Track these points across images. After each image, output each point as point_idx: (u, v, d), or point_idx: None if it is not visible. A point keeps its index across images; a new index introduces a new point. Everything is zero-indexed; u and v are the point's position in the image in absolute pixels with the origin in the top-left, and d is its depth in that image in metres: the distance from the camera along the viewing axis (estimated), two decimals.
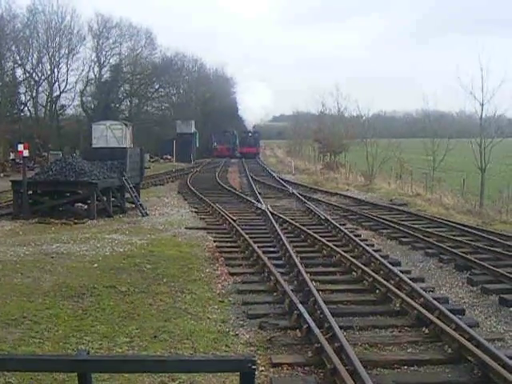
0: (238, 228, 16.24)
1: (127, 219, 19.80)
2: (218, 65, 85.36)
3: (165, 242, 15.32)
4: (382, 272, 11.46)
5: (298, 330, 8.39)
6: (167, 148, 59.14)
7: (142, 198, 22.90)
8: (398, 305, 9.50)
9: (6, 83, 51.77)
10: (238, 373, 3.78)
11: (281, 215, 19.17)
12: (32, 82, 56.12)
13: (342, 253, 12.95)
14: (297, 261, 11.98)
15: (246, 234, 15.29)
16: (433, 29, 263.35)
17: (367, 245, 14.41)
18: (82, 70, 60.50)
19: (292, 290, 9.90)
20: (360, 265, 11.77)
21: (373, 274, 11.04)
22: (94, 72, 62.28)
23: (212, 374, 6.61)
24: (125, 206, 21.79)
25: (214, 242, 15.44)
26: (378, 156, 40.17)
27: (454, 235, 16.05)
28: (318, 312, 8.77)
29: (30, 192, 20.12)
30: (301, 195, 26.15)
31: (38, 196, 20.65)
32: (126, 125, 46.60)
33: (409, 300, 9.35)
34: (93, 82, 62.66)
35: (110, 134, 43.87)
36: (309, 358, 7.47)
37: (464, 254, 13.21)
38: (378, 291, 10.41)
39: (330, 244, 13.94)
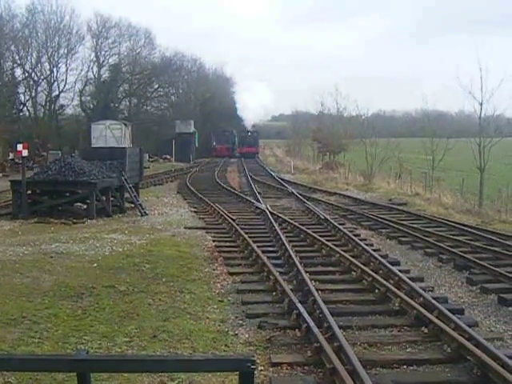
0: (238, 228, 16.24)
1: (126, 219, 19.80)
2: (218, 65, 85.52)
3: (164, 241, 15.32)
4: (381, 271, 11.46)
5: (297, 330, 8.39)
6: (166, 148, 59.13)
7: (141, 198, 22.89)
8: (397, 304, 9.50)
9: (5, 83, 51.74)
10: (238, 372, 3.79)
11: (280, 215, 19.17)
12: (31, 82, 56.07)
13: (342, 252, 12.96)
14: (296, 260, 11.98)
15: (246, 233, 15.29)
16: (433, 29, 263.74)
17: (366, 244, 14.41)
18: (81, 70, 60.54)
19: (291, 290, 9.90)
20: (359, 264, 11.77)
21: (372, 273, 11.05)
22: (93, 72, 62.33)
23: (211, 374, 6.61)
24: (124, 205, 21.79)
25: (213, 241, 15.44)
26: (378, 155, 40.20)
27: (453, 235, 16.06)
28: (318, 311, 8.77)
29: (29, 192, 20.11)
30: (300, 195, 26.15)
31: (37, 196, 20.64)
32: (125, 124, 46.63)
33: (408, 299, 9.35)
34: (92, 81, 62.65)
35: (109, 134, 43.90)
36: (308, 357, 7.47)
37: (463, 254, 13.22)
38: (377, 291, 10.41)
39: (329, 243, 13.94)
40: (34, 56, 56.01)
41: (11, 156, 41.00)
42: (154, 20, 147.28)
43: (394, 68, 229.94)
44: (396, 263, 12.81)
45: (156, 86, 69.55)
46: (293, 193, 27.21)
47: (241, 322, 8.96)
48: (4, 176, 34.55)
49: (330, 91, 69.49)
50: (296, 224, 17.03)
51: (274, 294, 10.27)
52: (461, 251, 13.58)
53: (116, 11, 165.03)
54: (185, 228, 17.65)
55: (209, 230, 17.40)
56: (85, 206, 20.80)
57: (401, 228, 17.12)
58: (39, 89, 57.03)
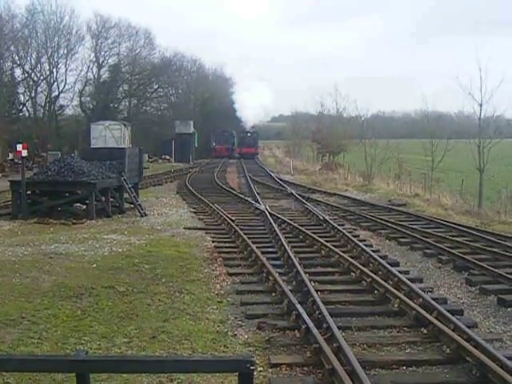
0: (237, 228, 16.24)
1: (126, 219, 19.80)
2: (217, 65, 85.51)
3: (163, 242, 15.32)
4: (380, 272, 11.46)
5: (296, 331, 8.40)
6: (166, 148, 59.15)
7: (140, 198, 22.89)
8: (396, 305, 9.50)
9: (4, 83, 51.73)
10: (237, 373, 3.79)
11: (279, 215, 19.17)
12: (31, 82, 56.08)
13: (341, 253, 12.96)
14: (295, 261, 11.98)
15: (245, 234, 15.29)
16: (432, 29, 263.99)
17: (366, 245, 14.42)
18: (81, 70, 60.55)
19: (290, 291, 9.89)
20: (359, 265, 11.77)
21: (371, 274, 11.04)
22: (92, 72, 62.33)
23: (210, 375, 6.62)
24: (123, 206, 21.79)
25: (213, 242, 15.44)
26: (377, 156, 40.21)
27: (452, 236, 16.06)
28: (317, 312, 8.77)
29: (29, 192, 20.12)
30: (299, 195, 26.16)
31: (37, 196, 20.64)
32: (124, 125, 46.63)
33: (407, 300, 9.35)
34: (91, 82, 62.64)
35: (108, 134, 43.89)
36: (307, 358, 7.47)
37: (463, 255, 13.22)
38: (376, 291, 10.41)
39: (328, 244, 13.94)
40: (34, 56, 56.08)
41: (11, 156, 41.01)
42: (153, 20, 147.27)
43: (394, 68, 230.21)
44: (395, 264, 12.81)
45: (156, 87, 69.56)
46: (292, 193, 27.21)
47: (240, 322, 8.97)
48: (3, 176, 34.54)
49: (330, 92, 69.44)
50: (295, 225, 17.03)
51: (274, 294, 10.28)
52: (460, 252, 13.59)
53: (116, 11, 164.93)
54: (184, 228, 17.65)
55: (208, 230, 17.41)
56: (84, 207, 20.80)
57: (400, 229, 17.12)
58: (39, 89, 57.11)
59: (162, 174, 39.84)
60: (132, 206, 21.65)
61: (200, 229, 17.73)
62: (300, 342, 8.01)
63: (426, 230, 16.71)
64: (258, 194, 27.07)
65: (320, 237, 15.07)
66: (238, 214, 20.23)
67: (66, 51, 57.89)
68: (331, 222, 17.83)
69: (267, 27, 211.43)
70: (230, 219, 18.15)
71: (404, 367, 7.35)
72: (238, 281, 11.40)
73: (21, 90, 56.04)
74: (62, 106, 60.32)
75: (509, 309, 9.84)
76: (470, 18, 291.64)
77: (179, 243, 15.22)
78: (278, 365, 7.26)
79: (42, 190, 20.55)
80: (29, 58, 55.75)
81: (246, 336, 8.35)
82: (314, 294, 9.56)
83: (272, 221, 17.57)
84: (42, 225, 18.15)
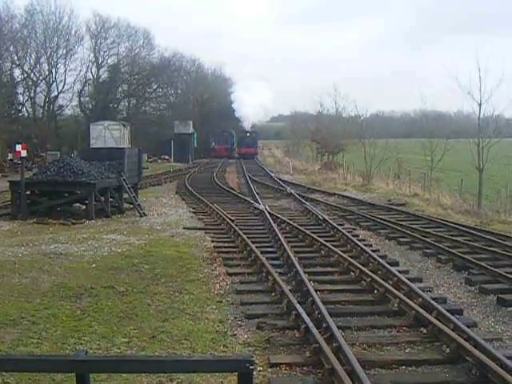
0: (236, 228, 16.24)
1: (125, 219, 19.80)
2: (217, 65, 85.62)
3: (163, 242, 15.32)
4: (380, 272, 11.46)
5: (296, 330, 8.40)
6: (165, 148, 59.14)
7: (140, 199, 22.89)
8: (396, 305, 9.50)
9: (3, 83, 51.70)
10: (236, 373, 3.79)
11: (279, 215, 19.17)
12: (30, 83, 56.10)
13: (340, 253, 12.96)
14: (295, 261, 11.98)
15: (244, 234, 15.29)
16: (432, 29, 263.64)
17: (365, 245, 14.42)
18: (80, 71, 60.59)
19: (290, 290, 9.90)
20: (358, 265, 11.77)
21: (371, 274, 11.04)
22: (91, 72, 62.36)
23: (210, 374, 6.62)
24: (123, 206, 21.79)
25: (212, 242, 15.44)
26: (376, 156, 40.22)
27: (452, 235, 16.06)
28: (316, 312, 8.77)
29: (28, 192, 20.12)
30: (299, 195, 26.16)
31: (36, 196, 20.63)
32: (123, 125, 46.62)
33: (407, 300, 9.36)
34: (91, 82, 62.66)
35: (108, 135, 43.87)
36: (307, 358, 7.47)
37: (462, 254, 13.22)
38: (376, 291, 10.41)
39: (328, 244, 13.94)
40: (33, 56, 56.15)
41: (10, 156, 41.03)
42: (152, 20, 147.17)
43: (393, 68, 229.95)
44: (395, 264, 12.82)
45: (155, 87, 69.58)
46: (291, 193, 27.21)
47: (240, 322, 8.96)
48: (3, 176, 34.55)
49: (329, 91, 69.50)
50: (295, 224, 17.03)
51: (273, 294, 10.27)
52: (460, 252, 13.59)
53: (115, 11, 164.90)
54: (184, 228, 17.65)
55: (208, 230, 17.40)
56: (84, 207, 20.80)
57: (400, 228, 17.12)
58: (38, 89, 57.20)
59: (161, 174, 39.84)
60: (131, 206, 21.65)
61: (199, 229, 17.73)
62: (299, 342, 8.01)
63: (426, 230, 16.71)
64: (258, 193, 27.07)
65: (319, 236, 15.07)
66: (237, 214, 20.23)
67: (65, 51, 57.97)
68: (331, 221, 17.83)
69: (267, 27, 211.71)
70: (230, 219, 18.15)
71: (404, 367, 7.35)
72: (237, 281, 11.39)
73: (20, 90, 56.12)
74: (61, 106, 60.38)
75: (508, 308, 9.84)
76: (469, 18, 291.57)
77: (179, 243, 15.21)
78: (278, 364, 7.26)
79: (42, 190, 20.55)
80: (28, 59, 55.90)
81: (246, 336, 8.35)
82: (314, 293, 9.56)
83: (271, 220, 17.57)
84: (42, 225, 18.14)
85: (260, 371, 7.05)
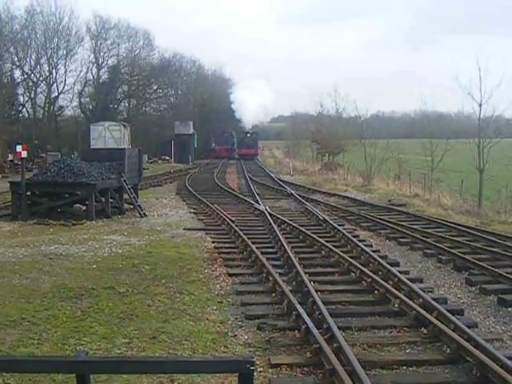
0: (237, 229, 16.23)
1: (126, 220, 19.80)
2: (217, 65, 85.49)
3: (163, 242, 15.32)
4: (380, 272, 11.46)
5: (296, 331, 8.40)
6: (165, 149, 59.15)
7: (140, 199, 22.90)
8: (396, 305, 9.50)
9: (4, 84, 51.76)
10: (237, 373, 3.79)
11: (279, 216, 19.17)
12: (30, 83, 56.12)
13: (341, 253, 12.95)
14: (295, 261, 11.98)
15: (245, 234, 15.29)
16: (432, 29, 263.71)
17: (366, 245, 14.42)
18: (80, 71, 60.63)
19: (290, 291, 9.89)
20: (359, 265, 11.76)
21: (371, 274, 11.04)
22: (92, 73, 62.41)
23: (211, 375, 6.62)
24: (123, 207, 21.79)
25: (213, 242, 15.44)
26: (377, 156, 40.23)
27: (452, 236, 16.06)
28: (317, 313, 8.77)
29: (29, 193, 20.12)
30: (299, 196, 26.16)
31: (37, 197, 20.64)
32: (124, 126, 46.55)
33: (407, 300, 9.35)
34: (91, 83, 62.69)
35: (108, 135, 43.81)
36: (307, 358, 7.47)
37: (462, 255, 13.22)
38: (376, 292, 10.41)
39: (328, 245, 13.94)
40: (33, 57, 56.16)
41: (10, 157, 41.01)
42: (152, 21, 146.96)
43: (394, 68, 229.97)
44: (395, 264, 12.81)
45: (155, 87, 69.58)
46: (292, 194, 27.21)
47: (240, 323, 8.96)
48: (3, 177, 34.55)
49: (329, 92, 69.51)
50: (295, 225, 17.03)
51: (274, 295, 10.27)
52: (460, 252, 13.59)
53: (115, 12, 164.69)
54: (184, 229, 17.65)
55: (208, 231, 17.40)
56: (84, 208, 20.80)
57: (400, 229, 17.12)
58: (38, 90, 57.23)
59: (161, 174, 39.85)
60: (132, 206, 21.66)
61: (200, 229, 17.73)
62: (300, 343, 8.01)
63: (426, 230, 16.71)
64: (258, 194, 27.08)
65: (320, 237, 15.07)
66: (237, 215, 20.23)
67: (65, 52, 58.01)
68: (331, 222, 17.83)
69: (267, 27, 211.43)
70: (230, 220, 18.15)
71: (404, 367, 7.35)
72: (238, 281, 11.39)
73: (20, 91, 56.20)
74: (61, 107, 60.43)
75: (509, 308, 9.84)
76: (469, 18, 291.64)
77: (179, 244, 15.22)
78: (279, 365, 7.26)
79: (42, 191, 20.56)
80: (28, 59, 55.91)
81: (246, 336, 8.35)
82: (314, 294, 9.56)
83: (272, 221, 17.57)
84: (42, 226, 18.15)
85: (261, 372, 7.05)
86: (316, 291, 9.87)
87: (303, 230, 16.18)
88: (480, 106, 31.12)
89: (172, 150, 57.57)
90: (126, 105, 68.44)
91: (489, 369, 6.76)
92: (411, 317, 8.88)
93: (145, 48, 66.71)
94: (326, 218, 18.77)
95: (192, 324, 8.79)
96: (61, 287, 10.51)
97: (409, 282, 10.47)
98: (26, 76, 55.75)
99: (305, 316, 8.41)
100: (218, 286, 11.12)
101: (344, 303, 9.97)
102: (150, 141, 59.70)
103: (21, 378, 6.51)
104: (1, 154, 42.30)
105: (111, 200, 21.06)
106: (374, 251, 13.74)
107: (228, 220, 18.16)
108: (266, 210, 20.39)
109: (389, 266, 11.65)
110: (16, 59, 54.22)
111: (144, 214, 20.64)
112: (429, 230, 16.71)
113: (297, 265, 11.64)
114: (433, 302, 9.21)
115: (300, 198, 25.21)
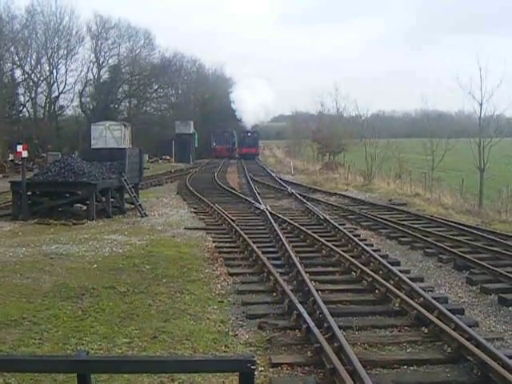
0: (237, 228, 16.24)
1: (126, 220, 19.80)
2: (217, 65, 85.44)
3: (164, 242, 15.32)
4: (381, 272, 11.46)
5: (297, 330, 8.40)
6: (166, 148, 59.17)
7: (141, 199, 22.90)
8: (397, 304, 9.50)
9: (4, 84, 51.78)
10: (238, 373, 3.79)
11: (280, 215, 19.17)
12: (31, 83, 56.13)
13: (342, 253, 12.95)
14: (296, 261, 11.98)
15: (246, 234, 15.29)
16: (432, 29, 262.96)
17: (366, 244, 14.42)
18: (81, 71, 60.67)
19: (291, 290, 9.89)
20: (359, 265, 11.76)
21: (372, 273, 11.04)
22: (92, 73, 62.42)
23: (211, 374, 6.61)
24: (124, 206, 21.80)
25: (214, 242, 15.44)
26: (377, 156, 40.22)
27: (453, 235, 16.05)
28: (318, 312, 8.77)
29: (29, 193, 20.13)
30: (300, 195, 26.16)
31: (37, 197, 20.65)
32: (124, 125, 46.60)
33: (408, 300, 9.35)
34: (91, 82, 62.70)
35: (108, 135, 43.86)
36: (308, 357, 7.47)
37: (463, 254, 13.21)
38: (377, 291, 10.40)
39: (329, 244, 13.94)
40: (34, 57, 56.17)
41: (11, 157, 41.04)
42: (153, 20, 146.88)
43: (394, 68, 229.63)
44: (396, 263, 12.81)
45: (156, 87, 69.61)
46: (292, 193, 27.21)
47: (241, 322, 8.96)
48: (4, 177, 34.59)
49: (330, 91, 69.46)
50: (296, 224, 17.03)
51: (274, 294, 10.27)
52: (461, 251, 13.58)
53: (115, 12, 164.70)
54: (185, 229, 17.65)
55: (209, 230, 17.40)
56: (85, 207, 20.80)
57: (401, 228, 17.12)
58: (39, 90, 57.24)
59: (162, 174, 39.87)
60: (132, 206, 21.66)
61: (201, 229, 17.73)
62: (301, 342, 8.01)
63: (427, 230, 16.70)
64: (259, 193, 27.07)
65: (321, 236, 15.07)
66: (238, 214, 20.23)
67: (65, 52, 58.01)
68: (332, 221, 17.83)
69: (267, 27, 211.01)
70: (231, 219, 18.15)
71: (405, 366, 7.35)
72: (238, 281, 11.39)
73: (21, 90, 56.24)
74: (62, 107, 60.45)
75: (510, 308, 9.83)
76: (469, 18, 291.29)
77: (180, 243, 15.22)
78: (279, 364, 7.26)
79: (43, 191, 20.57)
80: (29, 59, 55.91)
81: (247, 336, 8.35)
82: (315, 293, 9.56)
83: (273, 220, 17.57)
84: (43, 225, 18.16)
85: (261, 371, 7.05)
86: (317, 290, 9.88)
87: (304, 229, 16.18)
88: (480, 105, 31.18)
89: (173, 149, 57.60)
90: (127, 104, 68.48)
91: (490, 368, 6.76)
92: (412, 316, 8.88)
93: (145, 48, 66.83)
94: (327, 217, 18.77)
95: (193, 323, 8.79)
96: (62, 287, 10.52)
97: (409, 282, 10.47)
98: (26, 76, 55.81)
99: (305, 315, 8.40)
100: (218, 285, 11.12)
101: (345, 302, 9.97)
102: (151, 140, 59.71)
103: (22, 377, 6.51)
104: (1, 154, 42.32)
105: (112, 200, 21.06)
106: (374, 250, 13.74)
107: (229, 219, 18.16)
108: (267, 209, 20.39)
109: (389, 266, 11.64)
110: (16, 59, 54.29)
111: (145, 213, 20.65)
112: (429, 230, 16.70)
113: (297, 264, 11.64)
114: (433, 302, 9.20)
115: (301, 198, 25.20)
